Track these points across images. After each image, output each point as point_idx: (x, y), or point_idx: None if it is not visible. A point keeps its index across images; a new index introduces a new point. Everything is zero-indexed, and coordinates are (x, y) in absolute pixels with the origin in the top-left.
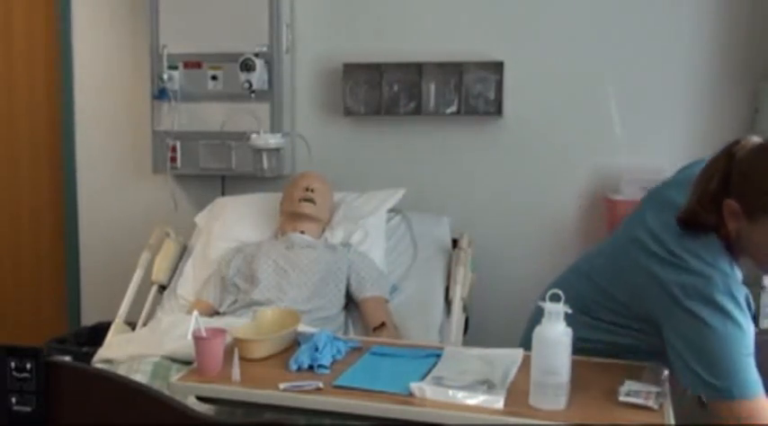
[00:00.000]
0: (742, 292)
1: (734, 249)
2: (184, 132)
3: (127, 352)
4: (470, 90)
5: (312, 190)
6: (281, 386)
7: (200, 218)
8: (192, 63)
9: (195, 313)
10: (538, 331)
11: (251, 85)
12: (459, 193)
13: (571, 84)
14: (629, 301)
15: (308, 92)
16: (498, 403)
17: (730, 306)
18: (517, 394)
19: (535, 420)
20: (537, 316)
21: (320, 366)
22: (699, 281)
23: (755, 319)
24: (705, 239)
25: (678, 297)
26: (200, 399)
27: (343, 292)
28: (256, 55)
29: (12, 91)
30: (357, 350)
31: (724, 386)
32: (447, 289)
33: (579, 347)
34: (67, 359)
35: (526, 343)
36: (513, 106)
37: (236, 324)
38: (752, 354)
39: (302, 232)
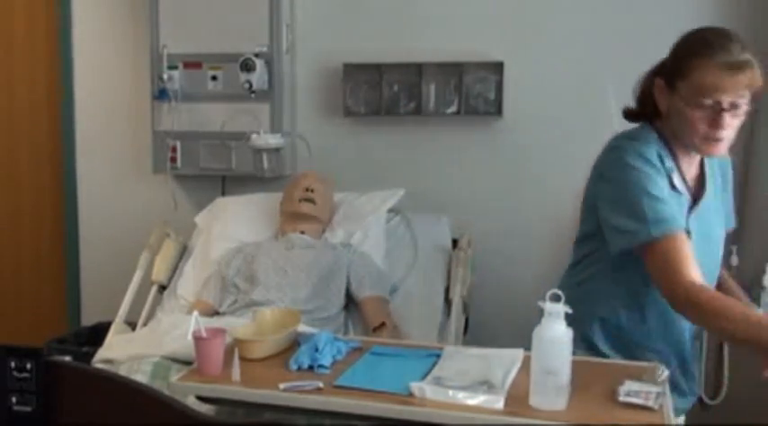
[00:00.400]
0: (653, 152)
1: (669, 139)
2: (184, 132)
3: (127, 352)
4: (470, 90)
5: (312, 191)
6: (281, 386)
7: (200, 218)
8: (192, 63)
9: (195, 313)
10: (538, 331)
11: (251, 85)
12: (460, 193)
13: (571, 84)
14: (587, 215)
15: (308, 92)
16: (498, 403)
17: (639, 163)
18: (517, 395)
19: (535, 420)
20: None
21: (320, 366)
22: (617, 153)
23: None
24: (640, 126)
25: (605, 175)
26: (200, 399)
27: (343, 292)
28: (256, 55)
29: (12, 91)
30: (357, 350)
31: (643, 227)
32: (447, 289)
33: (572, 298)
34: (67, 359)
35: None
36: (513, 106)
37: (236, 324)
38: (665, 201)
39: (302, 232)
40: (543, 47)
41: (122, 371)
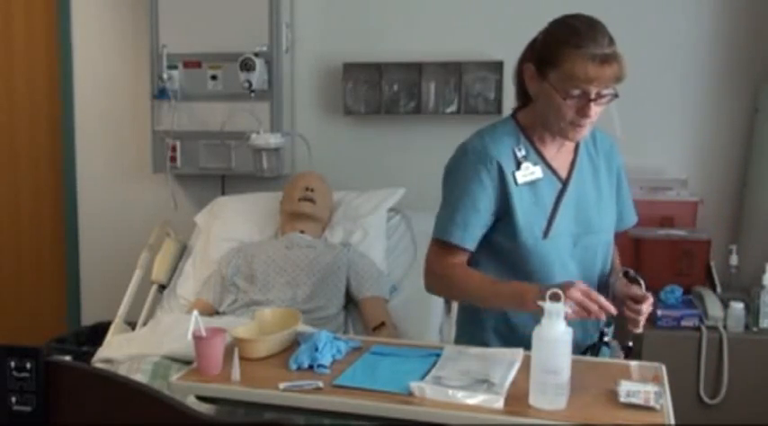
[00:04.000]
0: (486, 147)
1: (530, 127)
2: (184, 132)
3: (127, 352)
4: (470, 89)
5: (312, 190)
6: (281, 385)
7: (200, 218)
8: (192, 63)
9: (195, 312)
10: (538, 331)
11: (251, 85)
12: None
13: None
14: None
15: (307, 91)
16: (498, 402)
17: (456, 159)
18: (517, 394)
19: (535, 420)
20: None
21: (320, 365)
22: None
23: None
24: (503, 119)
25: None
26: (200, 399)
27: (342, 292)
28: (256, 54)
29: (12, 91)
30: (357, 350)
31: (434, 225)
32: None
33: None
34: (67, 358)
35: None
36: (512, 105)
37: (236, 324)
38: (467, 208)
39: (302, 231)
40: None
41: (122, 371)
